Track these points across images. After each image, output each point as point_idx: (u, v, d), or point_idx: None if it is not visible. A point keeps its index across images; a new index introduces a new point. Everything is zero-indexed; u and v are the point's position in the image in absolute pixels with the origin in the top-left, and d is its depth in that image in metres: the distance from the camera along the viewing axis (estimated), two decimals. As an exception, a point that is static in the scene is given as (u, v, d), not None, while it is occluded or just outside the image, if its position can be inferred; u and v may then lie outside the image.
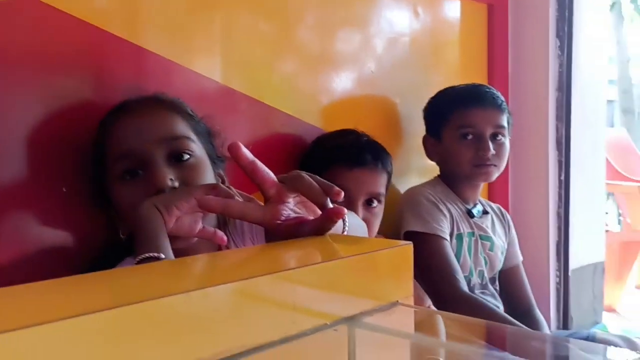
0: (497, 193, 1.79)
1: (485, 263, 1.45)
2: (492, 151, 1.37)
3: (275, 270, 0.39)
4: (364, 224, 0.92)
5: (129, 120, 0.83)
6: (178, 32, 1.02)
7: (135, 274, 0.42)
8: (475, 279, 1.42)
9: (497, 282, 1.50)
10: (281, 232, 0.60)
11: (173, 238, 0.69)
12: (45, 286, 0.36)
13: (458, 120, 1.40)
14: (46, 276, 0.37)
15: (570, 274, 1.89)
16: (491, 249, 1.45)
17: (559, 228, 1.86)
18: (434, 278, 1.29)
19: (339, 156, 1.17)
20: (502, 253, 1.50)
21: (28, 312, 0.30)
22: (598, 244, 2.11)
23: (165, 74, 1.00)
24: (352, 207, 1.15)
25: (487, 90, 1.45)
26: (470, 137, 1.39)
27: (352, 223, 0.70)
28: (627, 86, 8.39)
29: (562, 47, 1.83)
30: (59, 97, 0.87)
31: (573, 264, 1.90)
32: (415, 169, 1.58)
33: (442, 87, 1.48)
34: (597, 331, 1.65)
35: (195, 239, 0.77)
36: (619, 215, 3.86)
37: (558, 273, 1.87)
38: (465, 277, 1.37)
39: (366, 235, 0.90)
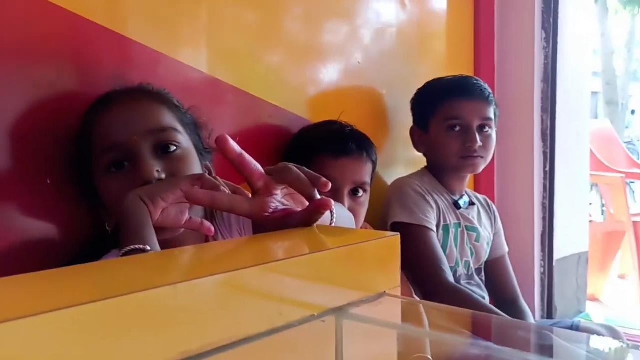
0: (483, 184, 1.81)
1: (472, 254, 1.46)
2: (479, 143, 1.38)
3: (263, 262, 0.39)
4: (351, 216, 0.92)
5: (114, 112, 0.82)
6: (163, 22, 1.01)
7: (121, 266, 0.41)
8: (462, 270, 1.43)
9: (483, 273, 1.51)
10: (269, 224, 0.60)
11: (159, 229, 0.69)
12: (30, 279, 0.35)
13: (445, 111, 1.40)
14: (31, 269, 0.37)
15: (554, 264, 1.91)
16: (477, 240, 1.47)
17: (544, 219, 1.88)
18: (420, 269, 1.30)
19: (324, 146, 1.17)
20: (488, 244, 1.51)
21: (11, 305, 0.30)
22: (582, 235, 2.13)
23: (150, 65, 0.99)
24: (338, 197, 1.15)
25: (475, 82, 1.46)
26: (457, 128, 1.39)
27: (340, 214, 0.70)
28: (611, 78, 8.48)
29: (548, 39, 1.84)
30: (41, 87, 0.86)
31: (557, 254, 1.92)
32: (401, 160, 1.59)
33: (428, 78, 1.49)
34: (581, 320, 1.67)
35: (182, 230, 0.76)
36: (603, 206, 3.91)
37: (543, 263, 1.89)
38: (451, 267, 1.38)
39: (354, 226, 0.90)
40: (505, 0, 1.84)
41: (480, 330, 0.47)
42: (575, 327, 1.50)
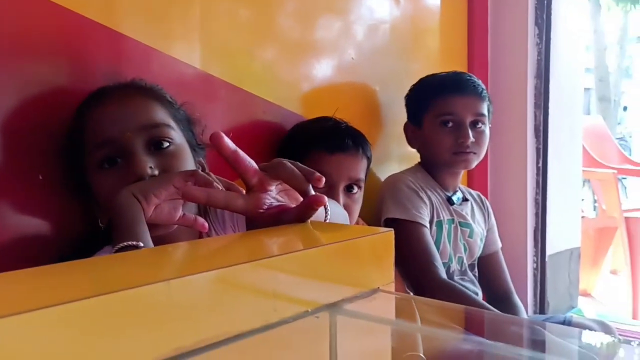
0: (476, 180, 1.81)
1: (465, 250, 1.46)
2: (472, 139, 1.38)
3: (257, 258, 0.39)
4: (345, 213, 0.92)
5: (107, 108, 0.81)
6: (156, 17, 1.01)
7: (114, 262, 0.41)
8: (455, 266, 1.44)
9: (476, 269, 1.51)
10: (263, 220, 0.60)
11: (153, 226, 0.69)
12: (22, 275, 0.35)
13: (438, 107, 1.40)
14: (22, 265, 0.37)
15: (547, 259, 1.92)
16: (470, 236, 1.47)
17: (537, 214, 1.89)
18: (413, 265, 1.30)
19: (319, 141, 1.17)
20: (481, 240, 1.52)
21: (4, 301, 0.30)
22: (574, 230, 2.15)
23: (143, 60, 0.98)
24: (333, 193, 1.15)
25: (468, 78, 1.46)
26: (450, 124, 1.40)
27: (334, 211, 0.70)
28: (603, 74, 8.52)
29: (541, 35, 1.84)
30: (34, 83, 0.85)
31: (550, 249, 1.93)
32: (395, 156, 1.59)
33: (422, 74, 1.49)
34: (573, 315, 1.68)
35: (175, 226, 0.76)
36: (595, 201, 3.93)
37: (535, 259, 1.90)
38: (444, 263, 1.38)
39: (348, 223, 0.90)
40: (498, -4, 1.85)
41: (473, 326, 0.47)
42: (567, 322, 1.51)
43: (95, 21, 0.91)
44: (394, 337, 0.49)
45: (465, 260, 1.46)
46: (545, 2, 1.85)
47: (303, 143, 1.17)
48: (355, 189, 1.20)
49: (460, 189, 1.52)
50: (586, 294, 2.90)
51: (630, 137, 10.05)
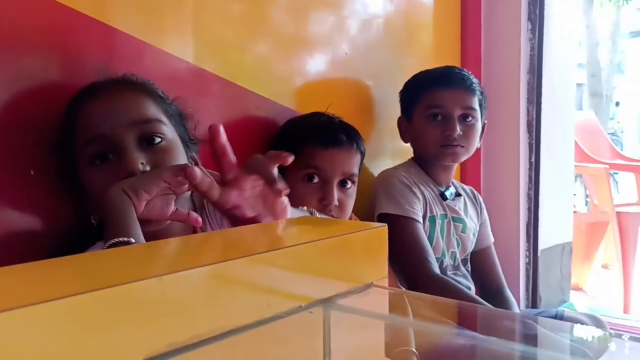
0: (469, 175, 1.82)
1: (458, 245, 1.47)
2: (459, 132, 1.38)
3: (250, 253, 0.39)
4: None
5: (98, 103, 0.81)
6: (149, 11, 1.00)
7: (107, 257, 0.41)
8: (448, 261, 1.44)
9: (468, 264, 1.52)
10: (236, 225, 0.64)
11: (145, 222, 0.68)
12: (14, 271, 0.35)
13: (427, 100, 1.41)
14: (14, 261, 0.36)
15: (539, 254, 1.93)
16: (463, 231, 1.47)
17: (529, 209, 1.90)
18: (406, 260, 1.31)
19: (313, 136, 1.17)
20: (474, 235, 1.52)
21: (-5, 298, 0.29)
22: (566, 225, 2.16)
23: (135, 55, 0.98)
24: (327, 188, 1.15)
25: (457, 71, 1.46)
26: (439, 117, 1.40)
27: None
28: (595, 70, 8.55)
29: (534, 30, 1.85)
30: (24, 77, 0.84)
31: (542, 244, 1.94)
32: (388, 151, 1.59)
33: (415, 70, 1.49)
34: (565, 310, 1.69)
35: (168, 222, 0.76)
36: (587, 196, 3.95)
37: (528, 253, 1.91)
38: (437, 258, 1.38)
39: None
40: (491, -8, 1.85)
41: (465, 320, 0.48)
42: (559, 317, 1.52)
43: (86, 15, 0.90)
44: (387, 332, 0.49)
45: (458, 255, 1.47)
46: (538, -3, 1.85)
47: (296, 138, 1.17)
48: (349, 184, 1.20)
49: (454, 184, 1.52)
50: (578, 289, 2.92)
51: (622, 132, 10.11)
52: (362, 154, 1.25)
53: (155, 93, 0.86)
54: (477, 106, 1.43)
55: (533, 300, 1.93)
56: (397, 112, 1.49)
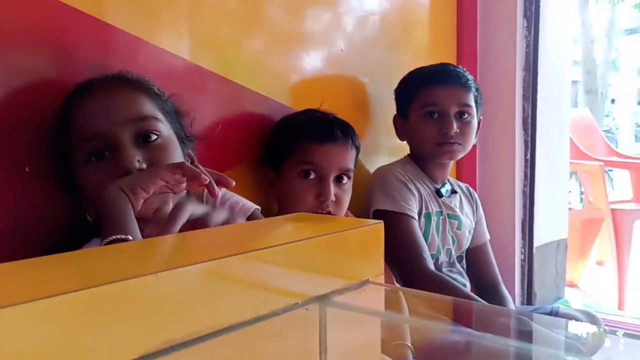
0: (465, 172, 1.82)
1: (453, 242, 1.47)
2: (456, 129, 1.38)
3: (246, 250, 0.39)
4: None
5: (93, 101, 0.80)
6: (144, 7, 1.00)
7: (103, 254, 0.41)
8: (443, 257, 1.44)
9: (464, 261, 1.52)
10: None
11: (143, 220, 0.68)
12: (9, 268, 0.35)
13: (423, 98, 1.40)
14: (10, 258, 0.36)
15: (534, 251, 1.93)
16: (459, 228, 1.48)
17: (525, 206, 1.90)
18: (402, 257, 1.31)
19: (309, 132, 1.16)
20: (469, 232, 1.52)
21: (-9, 295, 0.29)
22: (561, 222, 2.16)
23: (130, 51, 0.97)
24: (324, 183, 1.15)
25: (453, 69, 1.46)
26: (435, 115, 1.40)
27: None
28: (590, 67, 8.57)
29: (529, 27, 1.85)
30: (19, 74, 0.84)
31: (537, 241, 1.95)
32: (383, 148, 1.59)
33: (411, 67, 1.49)
34: (559, 306, 1.70)
35: (165, 219, 0.76)
36: (582, 193, 3.96)
37: (523, 250, 1.91)
38: (433, 255, 1.39)
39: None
40: (487, -12, 1.85)
41: (461, 317, 0.48)
42: (554, 313, 1.53)
43: (81, 11, 0.90)
44: (383, 329, 0.49)
45: (453, 252, 1.47)
46: (534, -6, 1.85)
47: (291, 135, 1.17)
48: (345, 179, 1.20)
49: (449, 181, 1.53)
50: (573, 285, 2.93)
51: (617, 129, 10.14)
52: (357, 149, 1.25)
53: (151, 90, 0.86)
54: (472, 103, 1.43)
55: (528, 297, 1.94)
56: (392, 109, 1.49)
